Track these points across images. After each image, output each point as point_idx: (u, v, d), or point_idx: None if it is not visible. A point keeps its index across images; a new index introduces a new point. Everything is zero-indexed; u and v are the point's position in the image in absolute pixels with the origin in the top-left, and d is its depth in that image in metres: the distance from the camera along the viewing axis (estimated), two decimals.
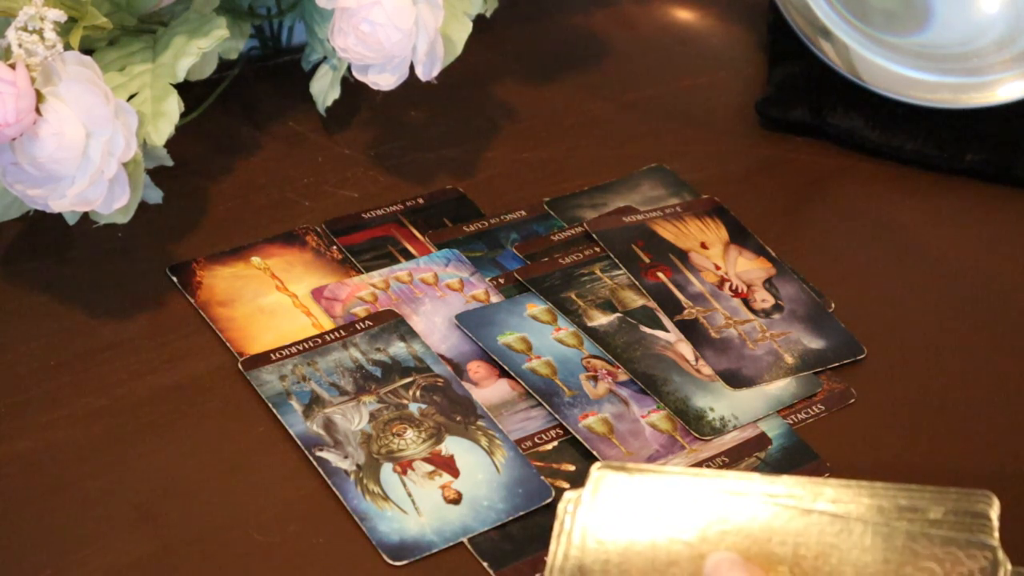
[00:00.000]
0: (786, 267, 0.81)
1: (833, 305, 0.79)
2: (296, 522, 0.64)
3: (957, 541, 0.50)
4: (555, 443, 0.69)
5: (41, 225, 0.76)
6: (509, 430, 0.69)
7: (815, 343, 0.76)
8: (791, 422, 0.72)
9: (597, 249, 0.80)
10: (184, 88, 0.74)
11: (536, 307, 0.76)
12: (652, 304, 0.77)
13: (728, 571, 0.50)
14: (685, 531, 0.51)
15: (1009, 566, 0.50)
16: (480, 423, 0.69)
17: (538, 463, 0.68)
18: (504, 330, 0.74)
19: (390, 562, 0.63)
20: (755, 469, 0.69)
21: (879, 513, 0.51)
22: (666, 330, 0.76)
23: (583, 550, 0.51)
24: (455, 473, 0.67)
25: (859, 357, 0.76)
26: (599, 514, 0.52)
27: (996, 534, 0.51)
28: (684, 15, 1.04)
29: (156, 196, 0.78)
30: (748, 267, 0.80)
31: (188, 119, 0.76)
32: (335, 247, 0.79)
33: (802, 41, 0.92)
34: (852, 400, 0.73)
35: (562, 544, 0.52)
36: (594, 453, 0.68)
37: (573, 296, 0.77)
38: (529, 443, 0.69)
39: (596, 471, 0.52)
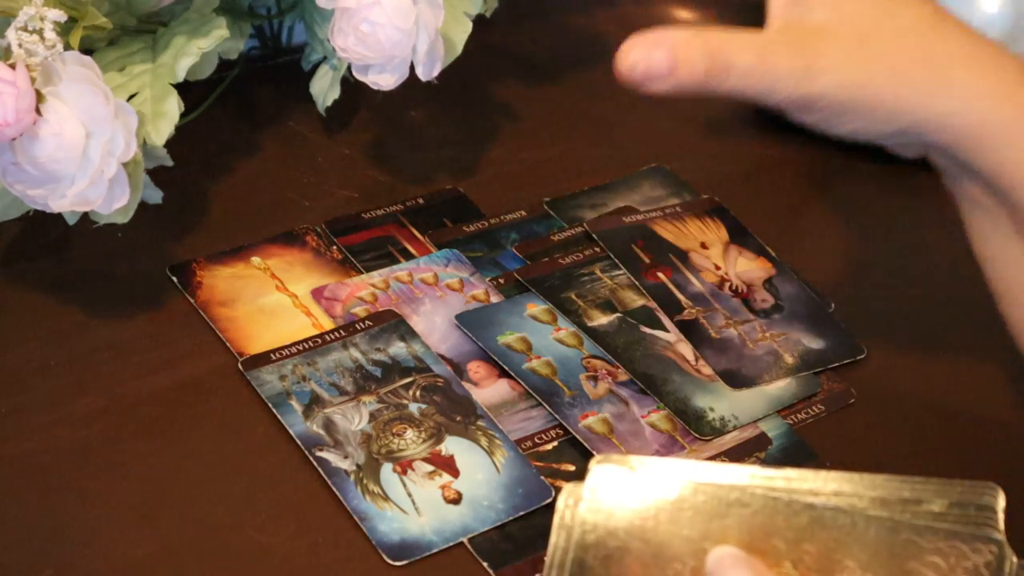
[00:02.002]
0: (786, 267, 0.81)
1: (833, 305, 0.79)
2: (296, 522, 0.64)
3: (962, 535, 0.50)
4: (555, 443, 0.69)
5: (41, 225, 0.76)
6: (509, 430, 0.69)
7: (815, 343, 0.76)
8: (791, 422, 0.72)
9: (597, 249, 0.80)
10: (184, 88, 0.74)
11: (536, 307, 0.76)
12: (652, 304, 0.77)
13: (731, 566, 0.50)
14: (687, 526, 0.51)
15: (1015, 560, 0.50)
16: (480, 423, 0.69)
17: (538, 463, 0.68)
18: (504, 330, 0.74)
19: (390, 562, 0.63)
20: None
21: (883, 506, 0.51)
22: (666, 330, 0.76)
23: (583, 545, 0.51)
24: (455, 473, 0.66)
25: (859, 357, 0.76)
26: (600, 508, 0.51)
27: (1001, 527, 0.51)
28: (684, 15, 1.04)
29: (156, 196, 0.78)
30: (748, 267, 0.80)
31: (188, 119, 0.76)
32: (335, 247, 0.79)
33: None
34: (852, 400, 0.73)
35: (562, 539, 0.51)
36: (594, 453, 0.68)
37: (573, 296, 0.77)
38: (529, 443, 0.69)
39: (596, 464, 0.52)
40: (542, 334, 0.74)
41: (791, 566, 0.51)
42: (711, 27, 0.62)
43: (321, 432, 0.68)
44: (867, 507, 0.51)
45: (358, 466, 0.66)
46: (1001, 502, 0.51)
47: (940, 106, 0.60)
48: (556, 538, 0.52)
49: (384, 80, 0.77)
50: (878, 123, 0.61)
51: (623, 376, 0.73)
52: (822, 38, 0.61)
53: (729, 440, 0.70)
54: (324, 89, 0.84)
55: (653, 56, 0.61)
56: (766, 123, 0.93)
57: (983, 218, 0.63)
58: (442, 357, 0.73)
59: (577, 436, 0.69)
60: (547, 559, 0.52)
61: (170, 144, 0.73)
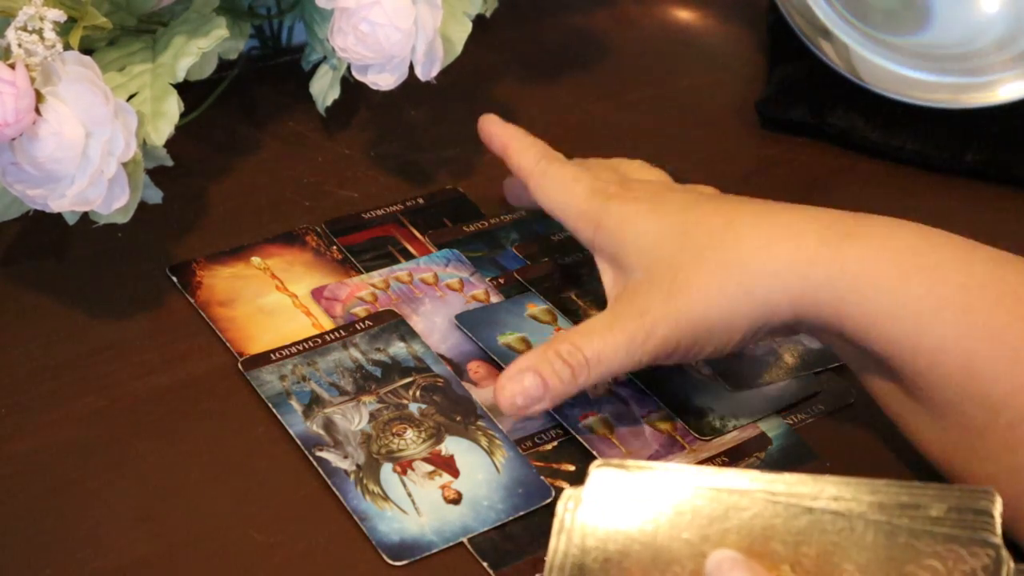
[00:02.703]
0: None
1: None
2: (296, 522, 0.64)
3: (960, 539, 0.50)
4: (555, 443, 0.69)
5: (41, 225, 0.76)
6: (509, 430, 0.69)
7: (815, 343, 0.76)
8: (791, 422, 0.72)
9: None
10: (184, 88, 0.74)
11: (536, 307, 0.76)
12: None
13: (730, 570, 0.50)
14: (686, 529, 0.51)
15: (1012, 564, 0.50)
16: (480, 423, 0.69)
17: (538, 463, 0.68)
18: (504, 330, 0.74)
19: (390, 562, 0.63)
20: (755, 469, 0.69)
21: (881, 511, 0.51)
22: None
23: (583, 549, 0.51)
24: (455, 473, 0.67)
25: None
26: (599, 512, 0.52)
27: (999, 531, 0.51)
28: (684, 15, 1.04)
29: (156, 196, 0.78)
30: None
31: (188, 119, 0.76)
32: (335, 247, 0.79)
33: (802, 41, 0.92)
34: (852, 400, 0.73)
35: (562, 542, 0.52)
36: (594, 453, 0.68)
37: (573, 296, 0.77)
38: (529, 443, 0.69)
39: (595, 469, 0.52)
40: (542, 334, 0.74)
41: (790, 569, 0.51)
42: (558, 336, 0.66)
43: (321, 432, 0.68)
44: (866, 511, 0.51)
45: (358, 466, 0.66)
46: (998, 507, 0.51)
47: (760, 297, 0.63)
48: (556, 542, 0.52)
49: (384, 80, 0.77)
50: (730, 336, 0.65)
51: (623, 376, 0.73)
52: (642, 295, 0.65)
53: (729, 440, 0.70)
54: (324, 89, 0.84)
55: (525, 383, 0.65)
56: (766, 123, 0.93)
57: (875, 383, 0.66)
58: (442, 357, 0.73)
59: (577, 436, 0.69)
60: (547, 563, 0.52)
61: (170, 144, 0.74)
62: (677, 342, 0.65)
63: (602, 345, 0.65)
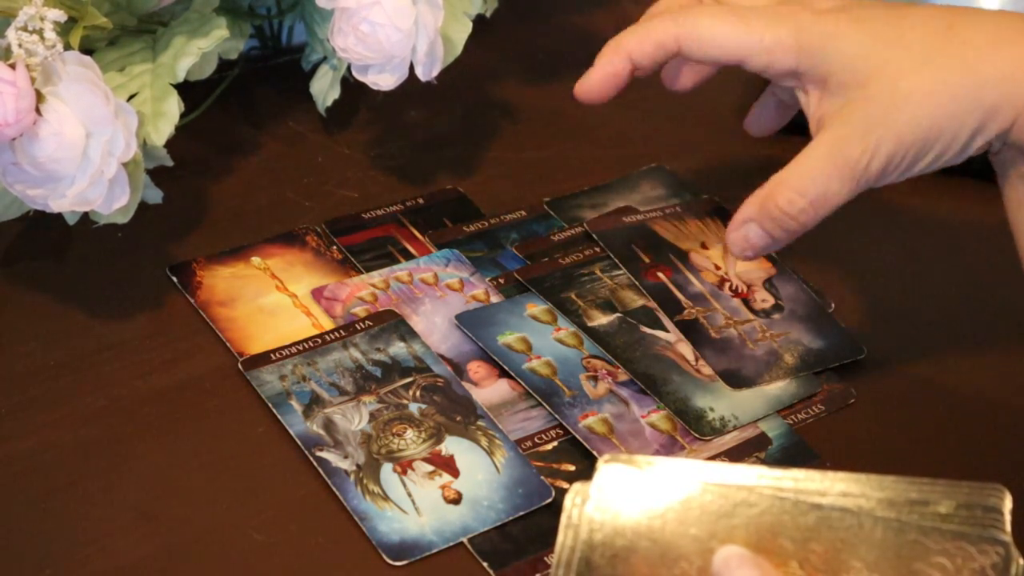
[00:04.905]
0: (786, 267, 0.81)
1: (833, 305, 0.79)
2: (296, 522, 0.64)
3: (968, 536, 0.50)
4: (555, 443, 0.69)
5: (41, 225, 0.76)
6: (509, 430, 0.69)
7: (815, 343, 0.76)
8: (791, 422, 0.72)
9: (597, 249, 0.80)
10: (184, 88, 0.74)
11: (536, 307, 0.76)
12: (652, 304, 0.77)
13: (737, 566, 0.50)
14: (694, 525, 0.51)
15: (1022, 561, 0.50)
16: (480, 423, 0.69)
17: (538, 463, 0.68)
18: (504, 330, 0.74)
19: (390, 562, 0.63)
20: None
21: (889, 507, 0.51)
22: (666, 330, 0.76)
23: (590, 544, 0.51)
24: (455, 473, 0.67)
25: (859, 357, 0.76)
26: (607, 507, 0.52)
27: (1008, 528, 0.51)
28: None
29: (156, 196, 0.78)
30: (748, 267, 0.80)
31: (188, 119, 0.76)
32: (335, 247, 0.79)
33: None
34: (852, 400, 0.73)
35: (569, 537, 0.52)
36: (594, 453, 0.68)
37: (573, 296, 0.77)
38: (529, 443, 0.69)
39: (604, 464, 0.52)
40: (542, 334, 0.74)
41: (797, 566, 0.51)
42: (775, 181, 0.66)
43: (321, 432, 0.68)
44: (874, 508, 0.51)
45: (358, 466, 0.66)
46: (1008, 504, 0.51)
47: (989, 102, 0.61)
48: (563, 537, 0.52)
49: (384, 80, 0.77)
50: (951, 146, 0.62)
51: (623, 376, 0.73)
52: (859, 113, 0.62)
53: (729, 440, 0.70)
54: (324, 89, 0.84)
55: (750, 235, 0.66)
56: None
57: None
58: (442, 357, 0.73)
59: (577, 436, 0.69)
60: (554, 557, 0.52)
61: (170, 144, 0.74)
62: (903, 157, 0.62)
63: (824, 182, 0.63)
